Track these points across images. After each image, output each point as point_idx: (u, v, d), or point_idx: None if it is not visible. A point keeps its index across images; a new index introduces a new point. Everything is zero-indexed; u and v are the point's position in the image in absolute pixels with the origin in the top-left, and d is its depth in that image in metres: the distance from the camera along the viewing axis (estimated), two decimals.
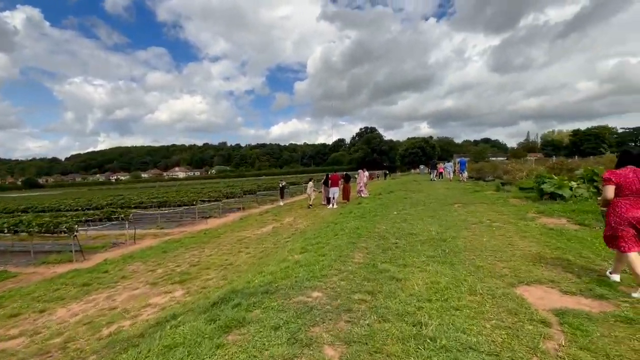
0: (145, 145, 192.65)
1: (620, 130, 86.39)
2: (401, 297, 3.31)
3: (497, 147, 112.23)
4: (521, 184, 12.54)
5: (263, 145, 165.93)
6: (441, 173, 26.03)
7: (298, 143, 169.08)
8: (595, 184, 8.99)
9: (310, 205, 14.10)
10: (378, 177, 52.10)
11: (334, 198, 13.49)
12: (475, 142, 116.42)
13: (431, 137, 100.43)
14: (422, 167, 50.42)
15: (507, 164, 21.05)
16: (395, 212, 8.83)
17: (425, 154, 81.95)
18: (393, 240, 5.75)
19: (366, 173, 15.90)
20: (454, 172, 23.95)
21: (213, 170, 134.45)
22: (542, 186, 9.22)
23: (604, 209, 3.54)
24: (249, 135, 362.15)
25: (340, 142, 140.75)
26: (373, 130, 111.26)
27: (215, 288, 4.84)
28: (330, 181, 13.67)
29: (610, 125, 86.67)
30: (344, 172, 15.83)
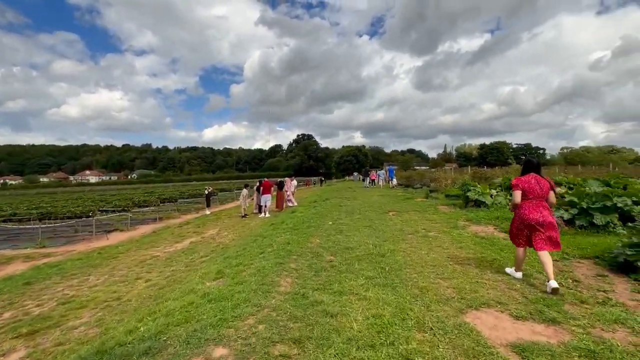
0: (47, 144, 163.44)
1: (514, 146, 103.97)
2: (337, 345, 2.50)
3: (421, 157, 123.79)
4: (447, 191, 13.16)
5: (194, 149, 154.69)
6: (373, 180, 26.82)
7: (233, 147, 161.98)
8: (511, 191, 9.66)
9: (245, 215, 12.70)
10: (314, 183, 52.30)
11: (265, 206, 12.40)
12: (402, 152, 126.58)
13: (364, 146, 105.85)
14: (355, 174, 52.18)
15: (433, 172, 22.54)
16: (331, 222, 8.19)
17: (358, 161, 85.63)
18: (328, 258, 5.00)
19: (294, 182, 15.04)
20: (385, 179, 24.84)
21: (134, 175, 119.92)
22: (468, 194, 9.58)
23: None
24: (178, 137, 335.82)
25: (277, 148, 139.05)
26: (310, 137, 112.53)
27: (77, 344, 3.39)
28: (262, 188, 12.55)
29: (507, 141, 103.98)
30: (278, 179, 14.81)
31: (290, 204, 14.04)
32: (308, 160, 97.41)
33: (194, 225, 11.96)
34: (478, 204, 9.43)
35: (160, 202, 17.05)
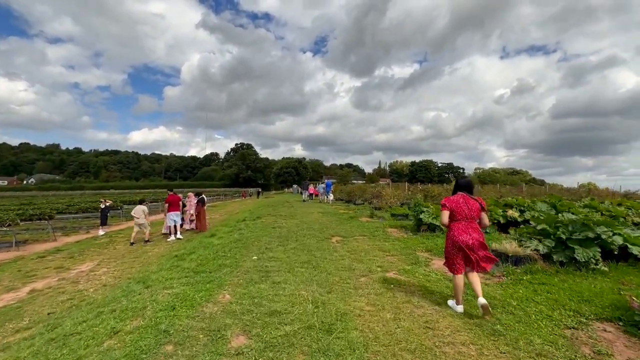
0: None
1: (439, 164, 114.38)
2: None
3: (358, 171, 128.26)
4: (393, 210, 12.00)
5: (116, 152, 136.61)
6: (312, 194, 25.25)
7: (163, 153, 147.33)
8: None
9: (147, 240, 9.48)
10: (251, 195, 48.88)
11: (175, 227, 9.59)
12: (341, 166, 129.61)
13: (304, 159, 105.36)
14: (295, 186, 50.32)
15: (374, 187, 21.80)
16: (256, 257, 6.00)
17: (298, 174, 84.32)
18: (234, 342, 2.84)
19: (194, 200, 11.31)
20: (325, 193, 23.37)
21: (32, 180, 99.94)
22: (421, 216, 8.31)
23: None
24: (97, 139, 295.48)
25: (213, 156, 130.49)
26: (249, 146, 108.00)
27: None
28: (168, 204, 9.69)
29: (434, 160, 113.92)
30: (199, 192, 11.99)
31: (187, 227, 11.25)
32: (246, 171, 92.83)
33: (67, 253, 8.54)
34: (432, 227, 8.21)
35: (26, 220, 12.64)
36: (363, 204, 18.70)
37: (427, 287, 4.28)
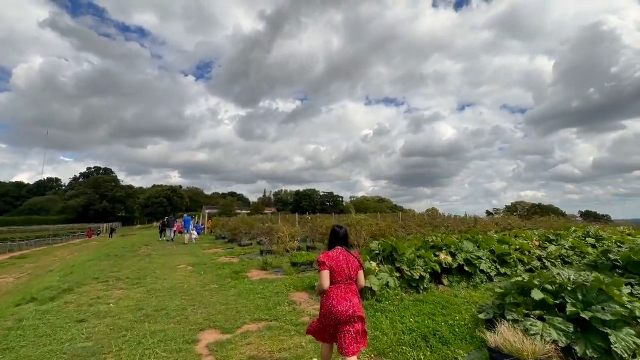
0: None
1: (322, 193, 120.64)
2: None
3: (242, 200, 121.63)
4: (294, 257, 8.98)
5: None
6: (176, 231, 20.06)
7: None
8: (397, 264, 6.43)
9: None
10: (98, 234, 37.28)
11: None
12: (224, 195, 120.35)
13: (180, 187, 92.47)
14: (160, 222, 41.56)
15: (264, 220, 18.42)
16: None
17: (172, 204, 72.54)
18: None
19: None
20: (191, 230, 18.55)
21: None
22: None
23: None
24: None
25: (51, 183, 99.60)
26: (108, 172, 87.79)
27: None
28: None
29: (316, 189, 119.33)
30: None
31: None
32: (100, 201, 74.00)
33: None
34: (360, 292, 5.56)
35: None
36: (251, 244, 15.05)
37: None
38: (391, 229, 10.56)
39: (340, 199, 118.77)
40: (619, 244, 12.41)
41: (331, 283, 2.75)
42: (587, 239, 11.55)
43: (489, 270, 7.21)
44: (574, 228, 13.02)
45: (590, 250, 10.04)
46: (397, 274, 6.16)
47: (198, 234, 19.42)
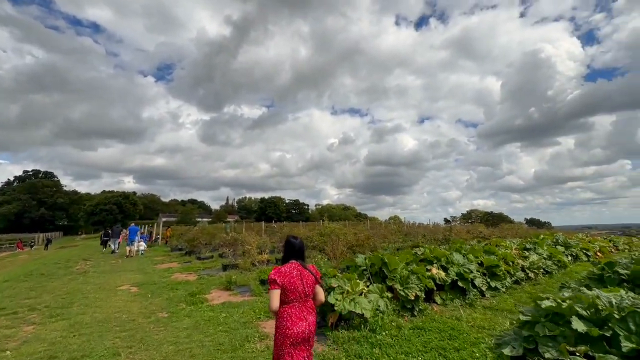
0: None
1: (287, 201, 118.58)
2: None
3: (203, 208, 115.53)
4: (262, 273, 7.75)
5: None
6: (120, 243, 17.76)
7: None
8: (389, 282, 5.51)
9: None
10: (31, 245, 32.42)
11: None
12: (183, 202, 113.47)
13: (134, 193, 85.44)
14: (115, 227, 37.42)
15: (228, 230, 16.74)
16: None
17: (123, 211, 66.41)
18: None
19: None
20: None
21: None
22: (329, 300, 4.54)
23: None
24: None
25: None
26: (49, 175, 78.67)
27: None
28: None
29: (282, 197, 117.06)
30: None
31: None
32: (37, 208, 65.84)
33: None
34: (346, 319, 4.56)
35: None
36: (212, 257, 13.43)
37: None
38: (370, 239, 9.74)
39: (306, 207, 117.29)
40: (584, 250, 12.74)
41: (284, 302, 2.52)
42: (557, 246, 11.64)
43: (480, 285, 6.59)
44: (542, 236, 13.19)
45: (565, 259, 9.99)
46: (389, 294, 5.25)
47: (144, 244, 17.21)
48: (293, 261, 2.64)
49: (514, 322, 4.69)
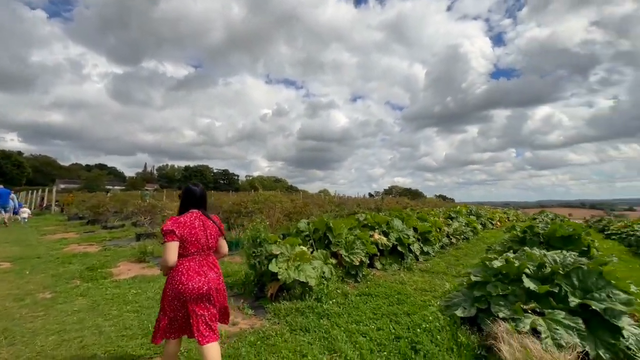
0: None
1: (215, 170, 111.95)
2: None
3: (115, 174, 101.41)
4: None
5: None
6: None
7: None
8: (333, 248, 5.10)
9: None
10: None
11: None
12: (89, 167, 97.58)
13: (20, 153, 70.02)
14: None
15: (145, 196, 14.50)
16: None
17: (2, 174, 54.12)
18: None
19: None
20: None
21: None
22: (271, 267, 3.92)
23: None
24: None
25: None
26: None
27: None
28: None
29: (209, 166, 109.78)
30: None
31: None
32: None
33: None
34: (288, 288, 4.03)
35: None
36: (123, 226, 11.49)
37: None
38: (307, 207, 9.31)
39: (236, 177, 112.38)
40: (490, 220, 14.56)
41: (182, 255, 2.19)
42: (471, 216, 13.02)
43: (416, 250, 6.74)
44: (458, 207, 14.66)
45: (478, 227, 11.18)
46: (333, 260, 4.86)
47: (15, 213, 14.03)
48: (194, 210, 2.31)
49: (455, 284, 4.77)
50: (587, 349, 2.59)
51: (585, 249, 4.93)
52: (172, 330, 2.23)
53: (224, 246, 2.47)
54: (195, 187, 2.40)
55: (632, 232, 9.63)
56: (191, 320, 2.16)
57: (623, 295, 2.79)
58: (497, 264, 3.44)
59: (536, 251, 3.66)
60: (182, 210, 2.35)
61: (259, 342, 2.94)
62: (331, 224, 5.20)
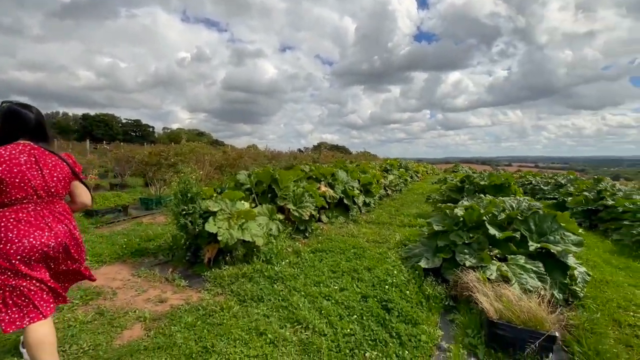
0: None
1: (124, 120, 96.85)
2: None
3: None
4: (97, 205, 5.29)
5: None
6: None
7: None
8: (280, 202, 4.48)
9: None
10: None
11: None
12: None
13: None
14: None
15: None
16: None
17: None
18: None
19: None
20: None
21: None
22: (207, 226, 3.15)
23: None
24: None
25: None
26: None
27: None
28: None
29: (115, 115, 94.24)
30: None
31: None
32: None
33: None
34: (229, 250, 3.37)
35: None
36: None
37: None
38: (242, 158, 8.35)
39: (151, 129, 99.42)
40: (416, 173, 15.62)
41: (3, 205, 1.56)
42: (401, 169, 13.72)
43: (360, 202, 6.61)
44: (389, 160, 15.31)
45: (409, 179, 11.79)
46: (280, 216, 4.30)
47: None
48: (22, 141, 1.64)
49: (405, 233, 4.71)
50: (544, 292, 2.65)
51: (514, 195, 5.33)
52: (19, 311, 1.54)
53: (82, 194, 1.85)
54: (23, 109, 1.67)
55: (527, 182, 11.31)
56: (27, 290, 1.56)
57: (574, 237, 2.90)
58: (459, 212, 3.31)
59: (501, 198, 3.66)
60: (5, 140, 1.63)
61: (199, 323, 2.29)
62: (277, 176, 4.53)
